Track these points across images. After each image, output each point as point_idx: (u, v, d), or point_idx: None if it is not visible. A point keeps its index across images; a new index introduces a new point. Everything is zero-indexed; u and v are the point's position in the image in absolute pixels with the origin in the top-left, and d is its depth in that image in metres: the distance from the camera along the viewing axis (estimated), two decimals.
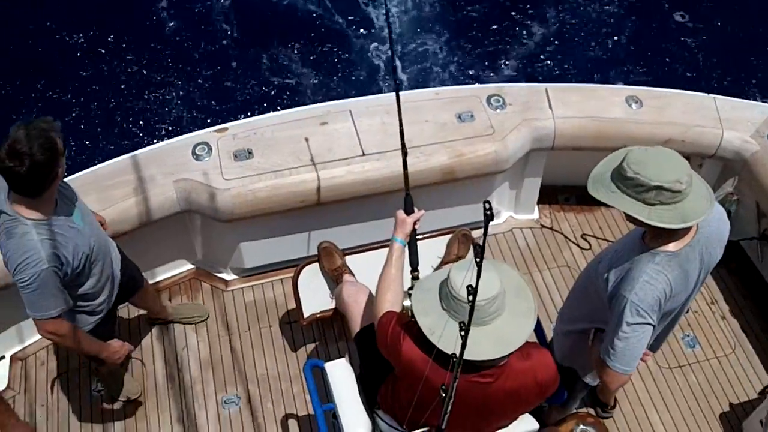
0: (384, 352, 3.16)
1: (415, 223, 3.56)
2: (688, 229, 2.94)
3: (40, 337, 4.59)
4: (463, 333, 2.17)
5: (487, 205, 1.98)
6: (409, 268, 3.72)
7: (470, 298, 2.12)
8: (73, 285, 3.44)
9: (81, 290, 3.51)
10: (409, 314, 3.14)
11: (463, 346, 2.20)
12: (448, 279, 2.82)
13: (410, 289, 3.68)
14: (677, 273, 2.98)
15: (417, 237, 3.77)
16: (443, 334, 2.76)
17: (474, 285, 2.06)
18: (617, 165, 2.87)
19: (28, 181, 3.01)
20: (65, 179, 3.49)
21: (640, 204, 2.80)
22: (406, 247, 3.55)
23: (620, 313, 2.99)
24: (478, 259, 2.04)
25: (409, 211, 3.61)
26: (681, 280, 3.01)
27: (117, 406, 4.52)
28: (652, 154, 2.83)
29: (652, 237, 2.98)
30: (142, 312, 4.84)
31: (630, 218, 2.88)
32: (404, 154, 3.76)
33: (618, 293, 3.02)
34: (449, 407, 2.43)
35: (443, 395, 2.38)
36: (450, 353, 2.44)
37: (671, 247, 2.95)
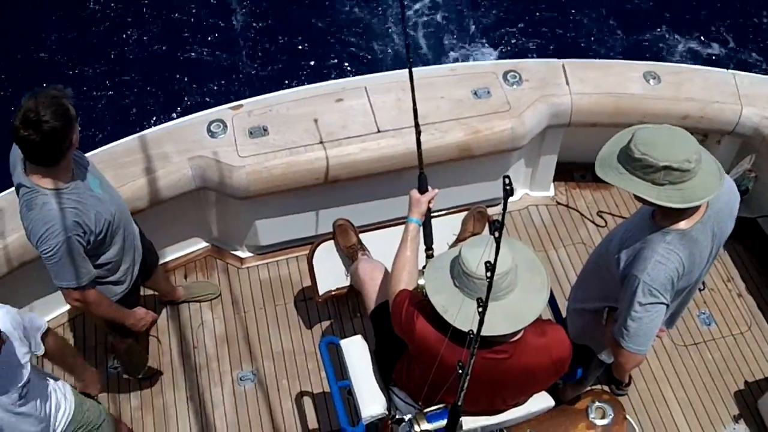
0: (398, 330, 3.16)
1: (429, 202, 3.56)
2: (699, 206, 2.93)
3: (56, 315, 4.70)
4: (480, 309, 2.16)
5: (507, 180, 1.97)
6: (424, 247, 3.71)
7: (487, 274, 2.13)
8: (95, 253, 3.45)
9: (104, 258, 3.52)
10: (423, 293, 3.16)
11: (481, 322, 2.20)
12: (460, 256, 2.81)
13: (424, 267, 3.68)
14: (689, 251, 2.96)
15: (432, 215, 3.76)
16: (457, 312, 2.76)
17: (492, 261, 2.06)
18: (624, 146, 2.84)
19: (43, 149, 3.01)
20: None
21: (648, 185, 2.78)
22: (421, 226, 3.55)
23: (632, 293, 2.98)
24: (497, 234, 2.03)
25: (423, 190, 3.60)
26: (693, 257, 3.00)
27: (133, 383, 4.56)
28: (659, 133, 2.80)
29: (663, 216, 2.96)
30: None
31: (639, 199, 2.87)
32: (418, 132, 3.75)
33: (630, 273, 3.00)
34: (465, 384, 2.43)
35: (460, 372, 2.39)
36: (465, 330, 2.45)
37: (682, 224, 2.93)
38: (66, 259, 3.21)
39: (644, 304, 2.98)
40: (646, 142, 2.76)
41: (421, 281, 3.47)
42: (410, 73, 3.76)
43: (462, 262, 2.80)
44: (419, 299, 3.11)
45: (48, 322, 4.63)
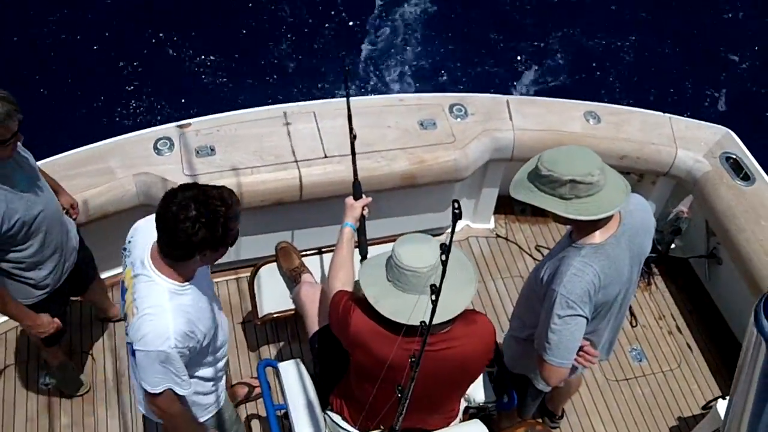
0: (335, 329, 3.21)
1: (363, 208, 3.66)
2: (610, 220, 3.07)
3: None
4: (433, 297, 2.25)
5: (456, 204, 2.04)
6: (359, 257, 3.76)
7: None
8: (5, 249, 3.42)
9: (16, 255, 3.48)
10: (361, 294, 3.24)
11: (433, 312, 2.30)
12: (393, 251, 2.93)
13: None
14: (605, 263, 3.07)
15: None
16: (389, 304, 2.88)
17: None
18: (533, 167, 2.99)
19: None
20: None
21: (556, 199, 2.93)
22: (356, 232, 3.64)
23: (551, 306, 3.08)
24: (444, 257, 2.09)
25: (357, 197, 3.71)
26: (610, 270, 3.10)
27: (65, 400, 4.48)
28: (563, 151, 2.98)
29: (577, 231, 3.11)
30: (93, 308, 4.80)
31: (554, 216, 3.00)
32: (353, 139, 3.82)
33: (549, 288, 3.11)
34: (404, 409, 2.46)
35: (399, 395, 2.42)
36: (396, 320, 2.64)
37: (596, 239, 3.07)
38: None
39: (563, 317, 3.07)
40: (550, 160, 2.92)
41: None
42: (348, 101, 3.83)
43: (395, 256, 2.91)
44: (356, 297, 3.18)
45: None
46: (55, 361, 4.44)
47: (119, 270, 4.86)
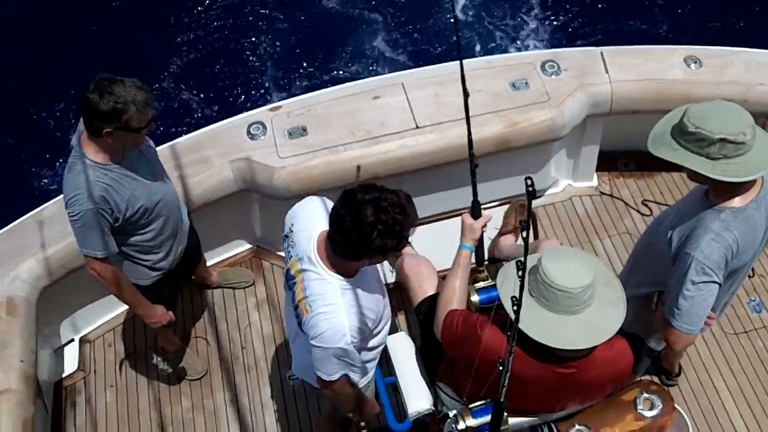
0: (453, 348, 3.17)
1: (482, 228, 3.46)
2: (753, 183, 2.90)
3: (107, 319, 4.81)
4: (515, 308, 2.16)
5: (529, 181, 1.97)
6: (474, 265, 3.61)
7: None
8: (127, 233, 3.58)
9: (138, 239, 3.64)
10: (473, 298, 3.26)
11: (517, 320, 2.20)
12: (540, 266, 2.75)
13: (475, 282, 3.63)
14: (744, 229, 2.93)
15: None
16: (534, 323, 2.74)
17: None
18: (677, 122, 2.84)
19: (83, 115, 3.19)
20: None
21: (703, 159, 2.78)
22: (473, 252, 3.47)
23: (685, 271, 2.95)
24: (524, 235, 2.03)
25: (476, 215, 3.47)
26: (748, 236, 2.96)
27: (183, 384, 4.63)
28: (713, 107, 2.80)
29: (716, 193, 2.94)
30: (205, 292, 4.96)
31: (693, 175, 2.86)
32: (471, 155, 3.53)
33: (682, 252, 2.98)
34: (506, 381, 2.43)
35: (500, 368, 2.38)
36: (541, 341, 2.55)
37: (736, 202, 2.91)
38: (88, 228, 3.34)
39: (697, 283, 2.95)
40: (699, 116, 2.76)
41: (474, 297, 3.47)
42: (461, 65, 3.57)
43: (543, 273, 2.74)
44: (476, 315, 3.11)
45: (98, 327, 4.79)
46: (171, 347, 4.59)
47: (224, 256, 5.07)
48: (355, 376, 3.05)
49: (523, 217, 4.45)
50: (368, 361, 3.23)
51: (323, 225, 2.88)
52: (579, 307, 2.74)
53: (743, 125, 2.72)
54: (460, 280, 3.36)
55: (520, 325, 2.69)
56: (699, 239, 2.92)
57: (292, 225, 3.04)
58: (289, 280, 3.02)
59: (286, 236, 3.07)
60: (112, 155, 3.35)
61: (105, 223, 3.36)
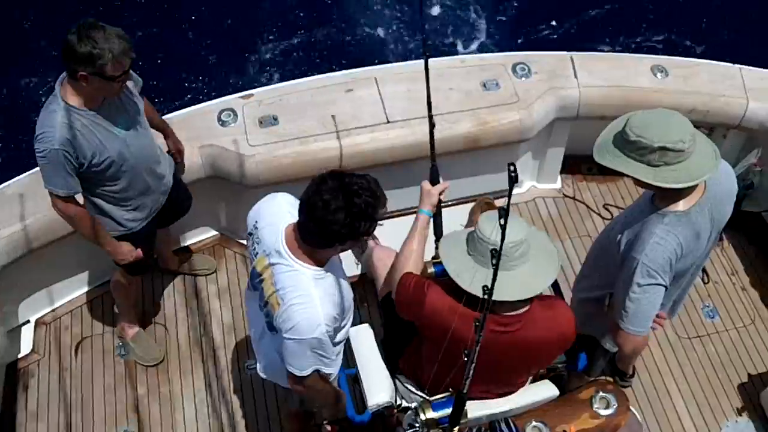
0: (405, 309, 3.22)
1: (440, 194, 3.57)
2: (696, 187, 2.98)
3: (70, 298, 4.77)
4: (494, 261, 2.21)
5: (512, 167, 2.01)
6: (433, 238, 3.74)
7: (497, 241, 2.22)
8: (95, 182, 3.61)
9: (105, 190, 3.67)
10: (430, 275, 3.28)
11: (493, 281, 2.25)
12: (477, 225, 2.90)
13: (434, 258, 3.70)
14: (687, 233, 3.01)
15: (441, 205, 3.79)
16: (471, 277, 2.84)
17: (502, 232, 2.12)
18: (620, 130, 2.92)
19: (63, 57, 3.22)
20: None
21: (644, 166, 2.85)
22: (432, 218, 3.57)
23: (631, 274, 3.03)
24: (502, 221, 2.08)
25: (435, 182, 3.60)
26: (691, 239, 3.04)
27: (140, 370, 4.60)
28: (653, 116, 2.88)
29: (661, 198, 3.02)
30: (166, 278, 4.93)
31: (638, 182, 2.93)
32: (431, 125, 3.72)
33: (629, 255, 3.05)
34: (471, 371, 2.47)
35: (465, 359, 2.42)
36: (479, 294, 2.54)
37: (680, 206, 2.99)
38: (51, 167, 3.37)
39: (642, 285, 3.03)
40: (640, 125, 2.83)
41: (431, 270, 3.50)
42: (426, 64, 3.73)
43: (478, 231, 2.88)
44: (428, 277, 3.18)
45: (55, 309, 4.75)
46: (130, 332, 4.57)
47: (189, 242, 5.04)
48: (327, 370, 3.05)
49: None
50: (337, 354, 3.24)
51: (289, 219, 2.90)
52: (512, 263, 2.83)
53: (682, 133, 2.80)
54: (417, 244, 3.45)
55: (457, 279, 2.88)
56: (644, 243, 2.99)
57: (256, 222, 3.04)
58: (255, 279, 3.02)
59: (251, 234, 3.07)
60: (87, 101, 3.38)
61: (69, 165, 3.38)
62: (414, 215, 3.55)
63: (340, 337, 3.16)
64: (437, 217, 3.69)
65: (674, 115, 2.89)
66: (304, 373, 2.96)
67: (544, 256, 2.99)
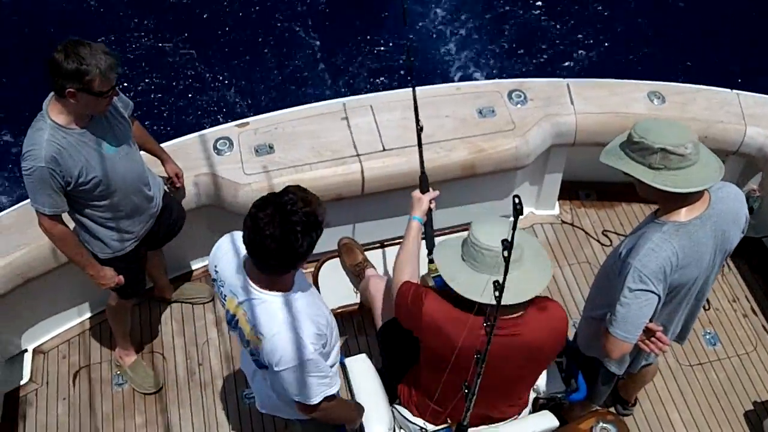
0: (404, 318, 3.21)
1: (430, 202, 3.62)
2: (698, 199, 3.02)
3: (66, 328, 4.76)
4: (496, 283, 2.20)
5: (517, 200, 2.00)
6: (426, 252, 3.74)
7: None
8: (82, 202, 3.61)
9: (92, 212, 3.67)
10: (429, 284, 3.32)
11: (501, 289, 2.22)
12: (470, 231, 2.95)
13: (431, 270, 3.70)
14: (685, 242, 3.01)
15: (436, 233, 3.77)
16: (466, 283, 2.89)
17: (507, 238, 2.12)
18: (627, 135, 3.00)
19: (49, 73, 3.24)
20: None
21: (645, 168, 2.92)
22: (423, 226, 3.61)
23: (624, 279, 3.04)
24: (506, 253, 2.06)
25: (424, 190, 3.67)
26: (690, 251, 3.04)
27: (138, 399, 4.56)
28: (658, 122, 3.00)
29: (662, 208, 3.07)
30: (163, 306, 4.89)
31: (639, 187, 2.99)
32: (419, 130, 3.79)
33: (625, 262, 3.08)
34: (474, 398, 2.44)
35: (466, 391, 2.40)
36: (474, 299, 2.65)
37: (681, 217, 3.02)
38: (38, 184, 3.37)
39: (633, 290, 3.03)
40: (644, 128, 2.93)
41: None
42: (413, 89, 3.77)
43: (471, 235, 2.92)
44: (426, 285, 3.21)
45: (53, 338, 4.72)
46: (127, 360, 4.54)
47: (185, 270, 5.00)
48: (332, 390, 2.98)
49: None
50: (334, 373, 3.18)
51: (243, 254, 2.85)
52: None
53: (684, 139, 2.86)
54: (413, 246, 3.49)
55: (451, 284, 2.93)
56: (639, 249, 3.02)
57: (216, 266, 3.03)
58: (231, 321, 2.99)
59: (215, 280, 3.06)
60: (75, 119, 3.39)
61: (55, 183, 3.38)
62: None
63: (330, 361, 3.09)
64: (428, 227, 3.72)
65: (679, 123, 3.00)
66: (315, 401, 2.91)
67: (537, 260, 3.03)
